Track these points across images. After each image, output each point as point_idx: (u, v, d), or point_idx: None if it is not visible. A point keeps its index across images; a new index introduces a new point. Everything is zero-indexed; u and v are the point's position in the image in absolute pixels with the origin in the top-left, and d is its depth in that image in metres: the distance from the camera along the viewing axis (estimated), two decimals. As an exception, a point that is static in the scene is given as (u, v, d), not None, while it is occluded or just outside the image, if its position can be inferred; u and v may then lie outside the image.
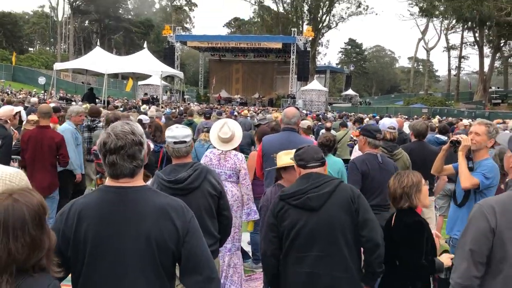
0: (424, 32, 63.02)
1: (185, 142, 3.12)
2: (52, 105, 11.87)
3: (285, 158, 3.37)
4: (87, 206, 1.92)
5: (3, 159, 4.87)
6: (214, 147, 5.62)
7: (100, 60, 21.73)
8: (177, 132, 3.14)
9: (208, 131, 5.75)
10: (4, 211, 1.56)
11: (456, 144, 3.72)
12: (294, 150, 3.39)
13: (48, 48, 78.00)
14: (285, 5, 61.12)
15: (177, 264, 2.01)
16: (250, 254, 5.69)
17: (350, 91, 55.27)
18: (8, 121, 5.60)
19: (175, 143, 3.11)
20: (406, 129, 12.55)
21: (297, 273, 2.73)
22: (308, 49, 41.74)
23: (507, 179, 2.34)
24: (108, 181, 2.01)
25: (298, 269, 2.72)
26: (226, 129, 4.56)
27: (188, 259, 1.96)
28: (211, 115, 11.17)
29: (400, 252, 2.81)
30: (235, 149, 4.63)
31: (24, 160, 5.60)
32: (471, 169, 3.70)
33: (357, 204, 2.70)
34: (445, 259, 2.90)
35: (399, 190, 2.95)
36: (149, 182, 3.18)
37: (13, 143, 5.69)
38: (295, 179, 3.31)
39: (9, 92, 27.81)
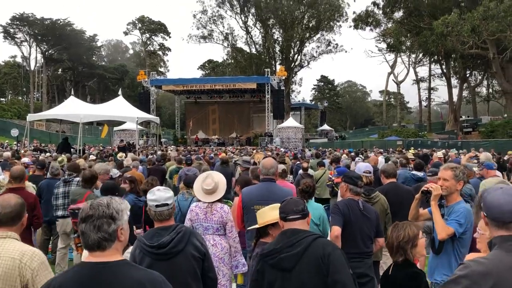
0: (393, 66, 65.23)
1: (167, 204, 3.11)
2: (25, 160, 11.70)
3: (271, 213, 3.30)
4: (64, 285, 1.93)
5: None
6: (198, 200, 5.64)
7: (74, 109, 21.57)
8: (158, 195, 3.13)
9: (188, 185, 5.76)
10: None
11: (427, 194, 3.81)
12: (278, 205, 3.41)
13: (20, 98, 77.26)
14: (257, 46, 62.65)
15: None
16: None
17: (325, 126, 56.15)
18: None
19: (157, 206, 3.10)
20: (381, 162, 12.79)
21: None
22: (282, 87, 42.48)
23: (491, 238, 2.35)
24: (86, 256, 2.03)
25: None
26: (209, 181, 4.61)
27: None
28: (192, 161, 11.16)
29: None
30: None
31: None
32: (442, 206, 3.79)
33: (327, 264, 2.59)
34: None
35: (395, 243, 3.00)
36: (130, 248, 3.14)
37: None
38: None
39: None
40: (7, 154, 13.58)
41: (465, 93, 60.80)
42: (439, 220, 3.69)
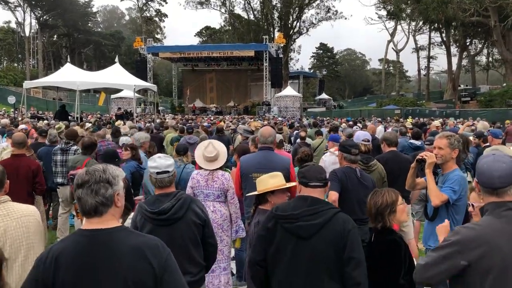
0: (392, 34, 64.41)
1: (167, 172, 3.15)
2: (23, 126, 11.68)
3: (271, 181, 3.35)
4: (63, 253, 1.94)
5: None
6: (188, 167, 5.71)
7: (71, 77, 21.33)
8: (159, 162, 3.16)
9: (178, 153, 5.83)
10: None
11: (422, 162, 3.85)
12: (279, 173, 3.45)
13: (16, 65, 76.34)
14: (255, 12, 61.72)
15: None
16: (234, 271, 5.72)
17: (323, 95, 55.95)
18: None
19: (157, 173, 3.14)
20: (380, 132, 12.84)
21: None
22: (281, 55, 42.11)
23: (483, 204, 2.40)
24: (84, 224, 2.04)
25: None
26: (211, 148, 4.66)
27: None
28: (193, 130, 11.18)
29: (378, 270, 2.86)
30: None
31: (-1, 190, 5.48)
32: (437, 175, 3.85)
33: (346, 240, 2.63)
34: None
35: (373, 210, 3.06)
36: (132, 215, 3.19)
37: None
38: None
39: (-22, 112, 27.16)
40: (5, 121, 13.55)
41: (464, 62, 60.41)
42: (433, 187, 3.75)
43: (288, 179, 3.89)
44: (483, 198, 2.34)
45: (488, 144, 7.18)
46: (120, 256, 1.92)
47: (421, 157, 3.85)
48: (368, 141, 5.33)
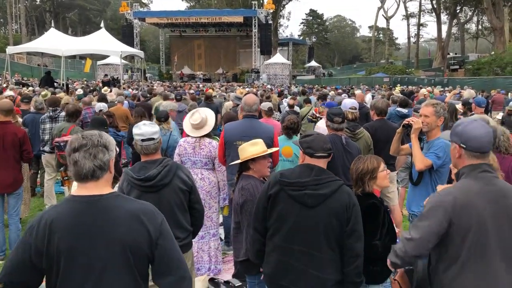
0: (383, 1, 63.68)
1: (153, 139, 3.15)
2: (10, 93, 11.49)
3: (252, 149, 3.37)
4: (58, 218, 1.93)
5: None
6: (174, 134, 5.71)
7: (56, 42, 20.90)
8: (144, 129, 3.15)
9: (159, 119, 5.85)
10: None
11: (408, 127, 3.90)
12: (259, 140, 3.47)
13: (-2, 29, 74.31)
14: (244, -23, 60.23)
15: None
16: (222, 236, 5.81)
17: (313, 63, 55.53)
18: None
19: (142, 140, 3.13)
20: (369, 100, 12.87)
21: (277, 259, 2.83)
22: (270, 22, 41.59)
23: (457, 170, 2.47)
24: (77, 190, 2.03)
25: (279, 256, 2.82)
26: (197, 116, 4.67)
27: (161, 261, 2.03)
28: (181, 97, 11.08)
29: None
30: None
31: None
32: (423, 149, 3.91)
33: (350, 213, 2.69)
34: None
35: (354, 175, 3.13)
36: (119, 183, 3.20)
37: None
38: (265, 168, 3.40)
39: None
40: (-11, 88, 13.29)
41: (454, 30, 60.14)
42: (418, 152, 3.82)
43: (270, 147, 3.90)
44: (461, 162, 2.40)
45: (473, 112, 7.26)
46: (117, 221, 1.94)
47: (407, 122, 3.90)
48: (355, 109, 5.36)
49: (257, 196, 3.06)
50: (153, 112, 11.13)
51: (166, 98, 10.94)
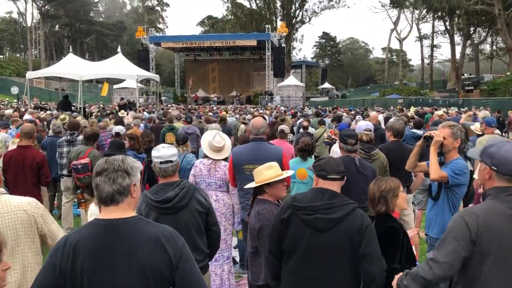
0: (396, 23, 64.05)
1: (171, 161, 3.19)
2: (28, 116, 11.73)
3: (267, 172, 3.37)
4: (81, 241, 1.98)
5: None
6: (188, 156, 5.76)
7: (73, 67, 21.32)
8: (163, 152, 3.20)
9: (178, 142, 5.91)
10: None
11: (429, 139, 3.87)
12: (275, 163, 3.48)
13: (18, 55, 76.32)
14: (257, 1, 61.21)
15: None
16: (238, 259, 5.79)
17: (326, 85, 55.70)
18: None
19: (161, 163, 3.18)
20: (381, 121, 12.82)
21: (291, 283, 2.83)
22: (283, 45, 41.93)
23: (484, 189, 2.46)
24: (101, 213, 2.08)
25: (293, 280, 2.82)
26: (219, 139, 4.72)
27: (182, 284, 2.04)
28: (191, 119, 11.18)
29: None
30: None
31: (6, 181, 5.55)
32: (441, 163, 3.87)
33: (362, 235, 2.67)
34: None
35: (377, 194, 3.10)
36: (137, 205, 3.23)
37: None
38: (280, 191, 3.41)
39: (-19, 103, 27.22)
40: (9, 112, 13.60)
41: (468, 51, 59.99)
42: (434, 162, 3.78)
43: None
44: (489, 183, 2.38)
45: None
46: (138, 245, 1.97)
47: (428, 135, 3.88)
48: (370, 130, 5.35)
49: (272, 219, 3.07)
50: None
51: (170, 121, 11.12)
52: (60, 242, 2.03)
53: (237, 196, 4.74)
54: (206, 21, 76.14)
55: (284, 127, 6.84)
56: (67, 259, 1.94)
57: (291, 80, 42.87)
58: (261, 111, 20.03)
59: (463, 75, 52.39)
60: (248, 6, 62.33)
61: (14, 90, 28.64)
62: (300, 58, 65.61)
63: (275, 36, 40.64)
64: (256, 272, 3.41)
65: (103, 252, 1.95)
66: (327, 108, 26.88)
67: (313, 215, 2.72)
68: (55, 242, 2.39)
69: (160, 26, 76.86)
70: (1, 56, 71.81)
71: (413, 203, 6.91)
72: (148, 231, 2.03)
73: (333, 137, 8.81)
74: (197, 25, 77.77)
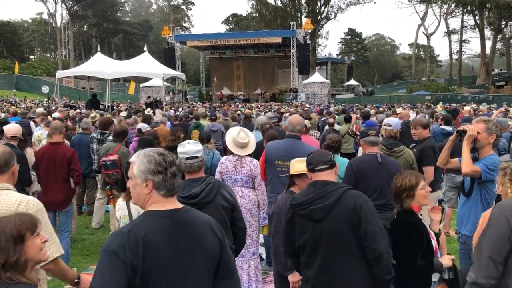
0: (423, 18, 62.76)
1: (197, 157, 3.22)
2: (56, 114, 12.01)
3: (298, 165, 3.45)
4: (150, 233, 1.94)
5: (23, 178, 5.01)
6: (217, 153, 5.82)
7: (101, 66, 21.81)
8: (188, 148, 3.23)
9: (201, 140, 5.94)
10: None
11: (462, 133, 3.79)
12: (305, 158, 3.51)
13: (48, 55, 78.33)
14: (282, -2, 61.03)
15: None
16: (264, 256, 5.80)
17: (352, 81, 55.14)
18: (22, 137, 5.72)
19: (187, 158, 3.21)
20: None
21: (306, 276, 2.93)
22: (308, 41, 41.68)
23: None
24: (153, 205, 2.04)
25: (307, 273, 2.91)
26: (243, 135, 4.76)
27: (225, 266, 2.16)
28: (216, 117, 11.25)
29: (395, 251, 2.87)
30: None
31: (39, 176, 5.71)
32: (475, 159, 3.78)
33: (359, 215, 2.68)
34: (446, 260, 3.01)
35: (393, 191, 3.10)
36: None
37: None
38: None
39: (14, 102, 28.05)
40: (40, 110, 13.97)
41: (499, 45, 58.28)
42: (467, 156, 3.72)
43: None
44: None
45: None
46: (201, 232, 2.08)
47: (462, 129, 3.80)
48: (390, 125, 5.26)
49: (283, 209, 3.21)
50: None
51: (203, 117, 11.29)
52: (123, 239, 1.92)
53: (263, 191, 4.75)
54: (230, 19, 76.28)
55: (306, 121, 6.82)
56: (137, 253, 1.88)
57: (316, 77, 42.62)
58: (287, 108, 19.96)
59: (493, 70, 50.99)
60: (273, 3, 62.34)
61: (45, 89, 29.46)
62: (325, 55, 65.28)
63: (300, 33, 40.44)
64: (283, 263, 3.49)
65: (173, 242, 1.99)
66: (353, 105, 26.63)
67: (308, 208, 2.80)
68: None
69: (186, 25, 77.58)
70: (32, 57, 73.82)
71: (443, 200, 6.77)
72: (202, 218, 2.15)
73: (356, 132, 8.73)
74: (222, 23, 78.00)
